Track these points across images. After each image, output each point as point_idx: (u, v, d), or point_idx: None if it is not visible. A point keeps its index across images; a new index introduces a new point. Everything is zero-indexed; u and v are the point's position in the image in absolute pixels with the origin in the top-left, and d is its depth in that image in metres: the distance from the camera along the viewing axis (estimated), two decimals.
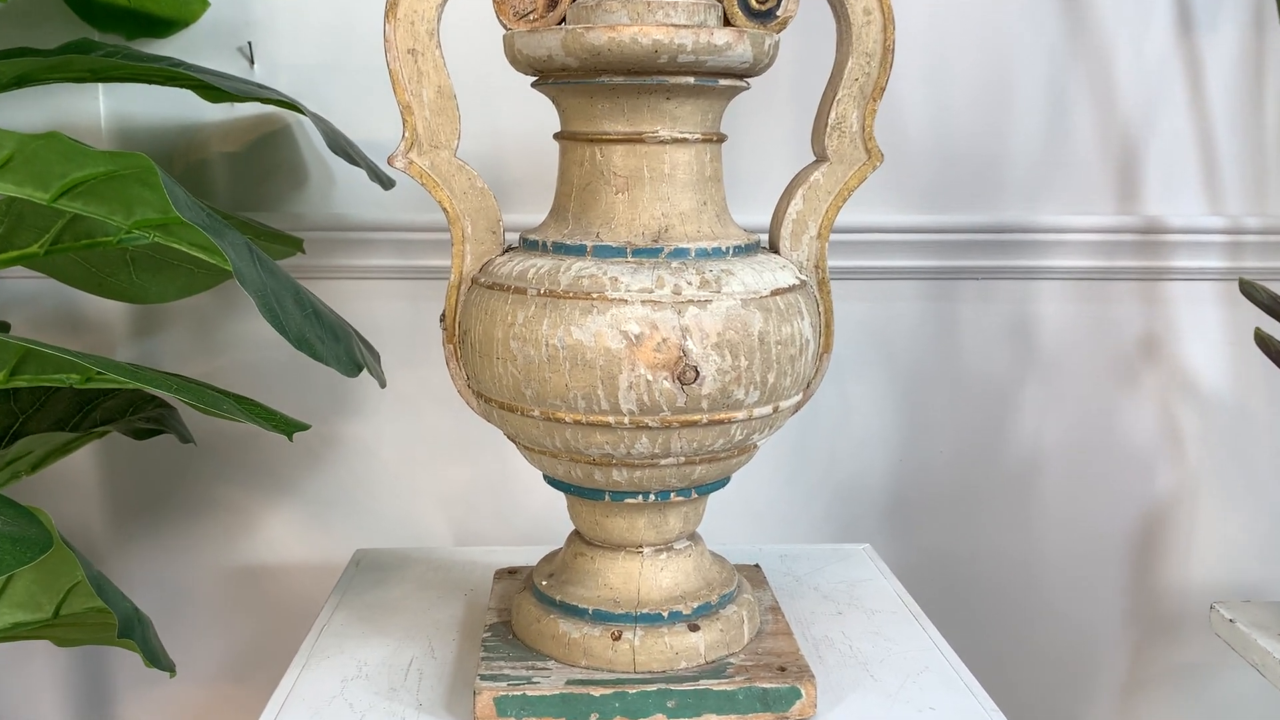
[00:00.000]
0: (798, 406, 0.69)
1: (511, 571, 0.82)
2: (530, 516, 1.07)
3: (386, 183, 0.87)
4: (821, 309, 0.68)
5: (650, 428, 0.61)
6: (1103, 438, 1.08)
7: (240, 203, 1.01)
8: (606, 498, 0.67)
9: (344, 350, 0.68)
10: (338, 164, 1.00)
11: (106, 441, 1.03)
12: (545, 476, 0.70)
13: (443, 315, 0.67)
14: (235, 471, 1.04)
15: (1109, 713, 1.12)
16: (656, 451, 0.63)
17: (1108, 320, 1.07)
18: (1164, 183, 1.05)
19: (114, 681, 1.07)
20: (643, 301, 0.60)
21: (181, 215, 0.59)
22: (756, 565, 0.84)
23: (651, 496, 0.66)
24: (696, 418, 0.61)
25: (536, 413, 0.63)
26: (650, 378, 0.60)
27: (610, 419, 0.61)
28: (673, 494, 0.67)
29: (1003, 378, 1.07)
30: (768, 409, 0.64)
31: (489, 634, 0.71)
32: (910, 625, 0.79)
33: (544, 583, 0.71)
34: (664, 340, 0.60)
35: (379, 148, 0.93)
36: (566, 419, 0.62)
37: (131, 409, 0.85)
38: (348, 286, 1.01)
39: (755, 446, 0.68)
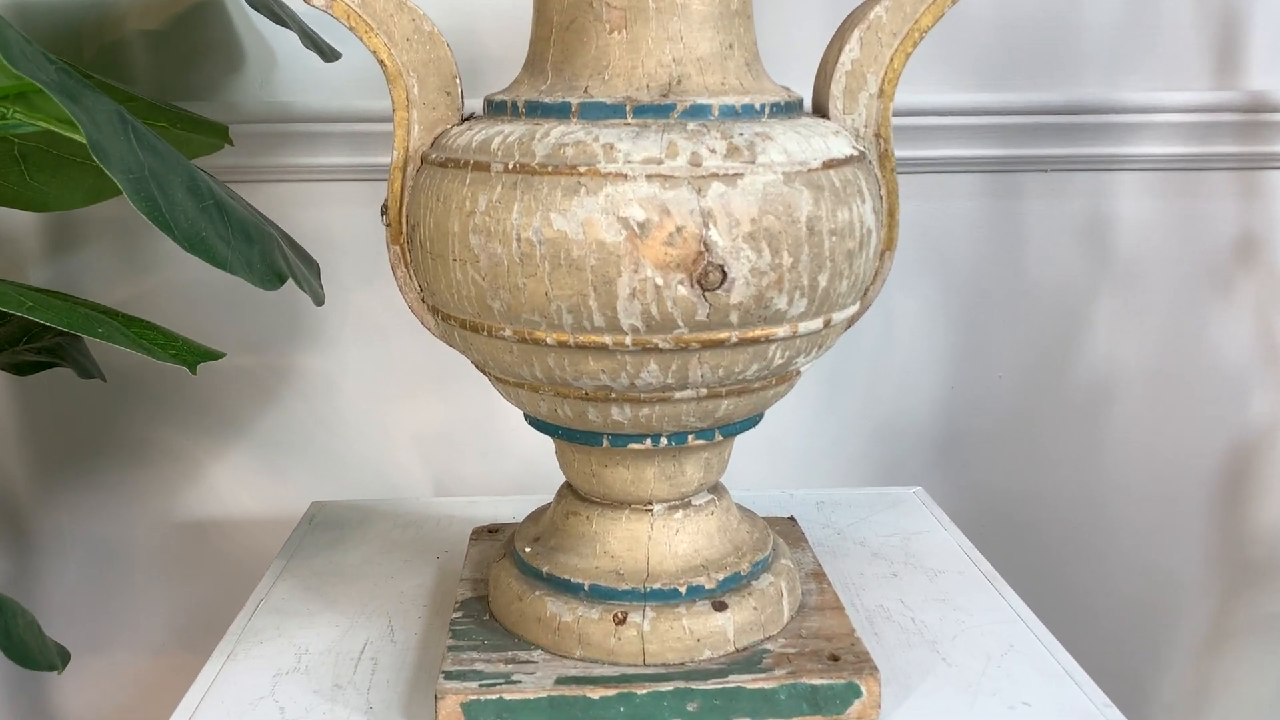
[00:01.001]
0: (852, 320, 0.53)
1: (492, 530, 0.67)
2: (522, 459, 0.92)
3: (328, 52, 0.71)
4: (884, 191, 0.52)
5: (660, 350, 0.46)
6: (1189, 358, 0.92)
7: (166, 90, 0.84)
8: (605, 442, 0.51)
9: (259, 256, 0.53)
10: (280, 42, 0.83)
11: (27, 379, 0.88)
12: (526, 416, 0.54)
13: (384, 206, 0.51)
14: (175, 412, 0.89)
15: (1188, 669, 0.98)
16: (669, 382, 0.47)
17: (1199, 218, 0.90)
18: (1272, 50, 0.87)
19: None
20: (649, 177, 0.44)
21: (14, 66, 0.43)
22: (791, 518, 0.69)
23: (663, 440, 0.51)
24: (723, 336, 0.46)
25: (508, 333, 0.47)
26: (660, 282, 0.44)
27: (607, 339, 0.45)
28: (691, 436, 0.51)
29: (1073, 288, 0.91)
30: (817, 323, 0.48)
31: (459, 614, 0.56)
32: (984, 590, 0.64)
33: (528, 549, 0.56)
34: (678, 230, 0.44)
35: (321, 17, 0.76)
36: (548, 340, 0.46)
37: (26, 338, 0.69)
38: (294, 191, 0.85)
39: (798, 373, 0.52)
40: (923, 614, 0.61)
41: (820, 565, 0.62)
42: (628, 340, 0.45)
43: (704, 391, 0.48)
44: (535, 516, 0.60)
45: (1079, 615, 0.96)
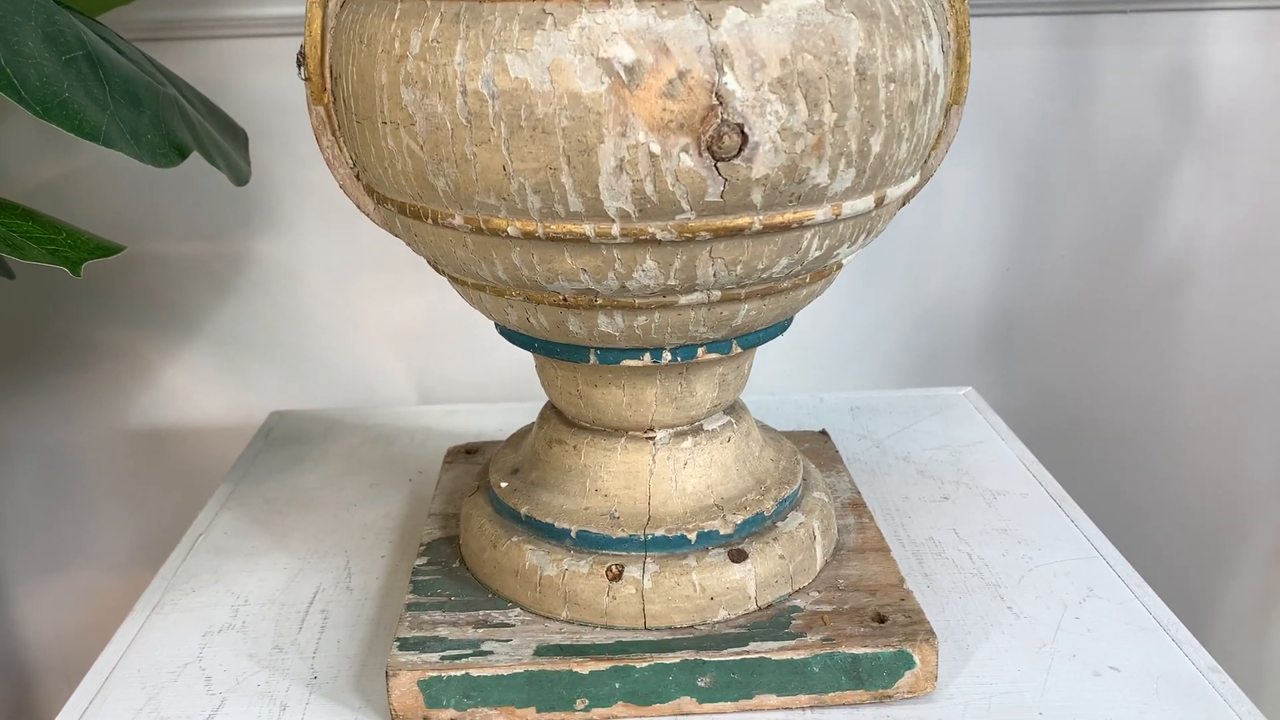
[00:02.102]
0: (909, 196, 0.41)
1: (469, 451, 0.57)
2: (518, 360, 0.81)
3: None
4: (952, 25, 0.39)
5: (659, 243, 0.34)
6: None
7: None
8: (592, 358, 0.41)
9: (149, 123, 0.41)
10: None
11: None
12: (497, 326, 0.43)
13: (300, 54, 0.39)
14: (121, 308, 0.78)
15: (1256, 585, 0.89)
16: (672, 284, 0.36)
17: None
18: None
19: (2, 573, 0.85)
20: (640, 1, 0.32)
21: None
22: (822, 432, 0.59)
23: (666, 354, 0.40)
24: (742, 222, 0.34)
25: (458, 221, 0.36)
26: (657, 150, 0.32)
27: (587, 229, 0.34)
28: (701, 349, 0.40)
29: (1151, 151, 0.78)
30: (866, 201, 0.36)
31: (423, 560, 0.47)
32: (1053, 517, 0.54)
33: (503, 484, 0.46)
34: (681, 76, 0.32)
35: None
36: (509, 231, 0.35)
37: None
38: (237, 49, 0.72)
39: (838, 267, 0.41)
40: (982, 548, 0.51)
41: (859, 491, 0.52)
42: (615, 230, 0.34)
43: (717, 295, 0.37)
44: (515, 441, 0.50)
45: (1136, 526, 0.86)
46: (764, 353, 0.70)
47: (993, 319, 0.81)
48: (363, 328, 0.80)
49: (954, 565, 0.50)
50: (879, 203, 0.37)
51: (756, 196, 0.34)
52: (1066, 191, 0.78)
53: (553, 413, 0.46)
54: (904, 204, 0.41)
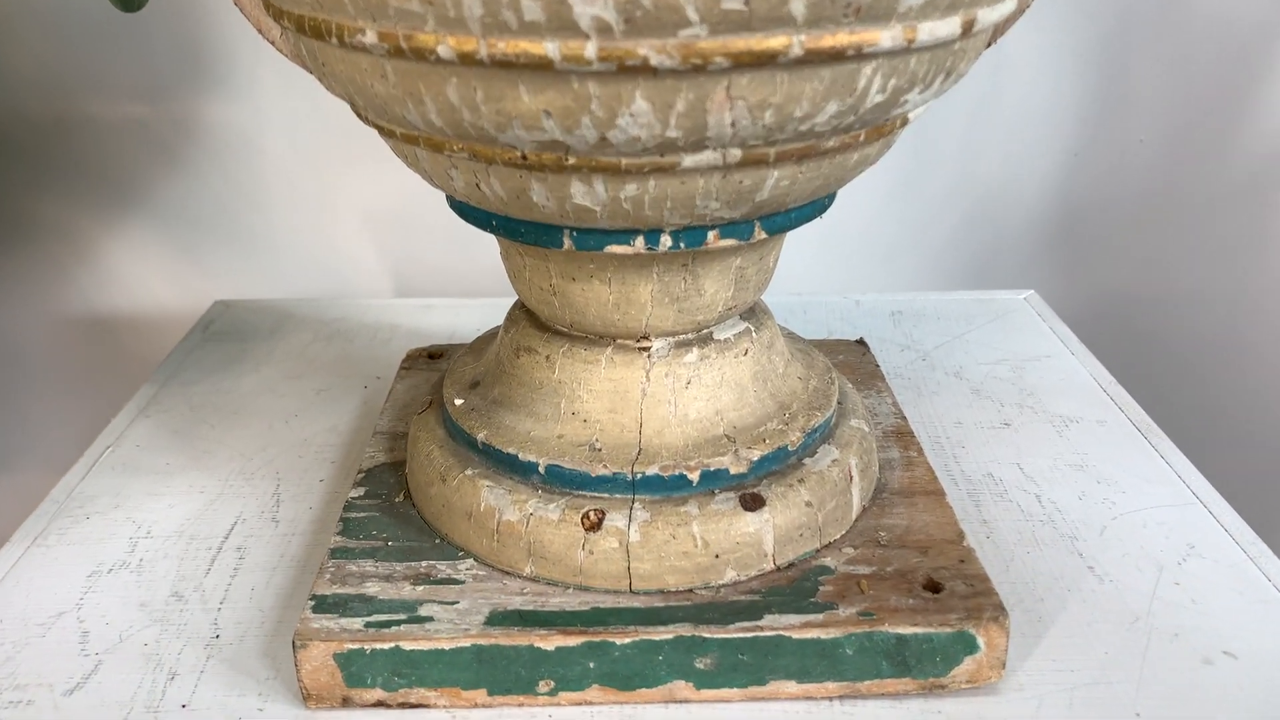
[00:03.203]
0: (1003, 27, 0.30)
1: (433, 356, 0.48)
2: None
3: None
4: None
5: (655, 71, 0.24)
6: None
7: None
8: (566, 241, 0.30)
9: None
10: None
11: None
12: (447, 199, 0.33)
13: None
14: (58, 178, 0.68)
15: None
16: (674, 136, 0.25)
17: None
18: None
19: None
20: None
21: None
22: (859, 341, 0.49)
23: (665, 239, 0.30)
24: (777, 43, 0.24)
25: (370, 36, 0.25)
26: None
27: (549, 47, 0.23)
28: (712, 233, 0.30)
29: (1256, 14, 0.65)
30: (951, 23, 0.26)
31: (360, 492, 0.37)
32: (1139, 450, 0.44)
33: (459, 400, 0.36)
34: None
35: None
36: (439, 50, 0.24)
37: None
38: None
39: (904, 123, 0.30)
40: (1052, 489, 0.42)
41: (904, 416, 0.42)
42: (590, 50, 0.23)
43: (736, 155, 0.26)
44: (479, 347, 0.40)
45: (1210, 450, 0.76)
46: (786, 243, 0.60)
47: (1056, 212, 0.70)
48: (331, 207, 0.69)
49: (1019, 510, 0.40)
50: (966, 29, 0.26)
51: (798, 6, 0.23)
52: (1150, 63, 0.66)
53: (522, 313, 0.36)
54: (994, 39, 0.30)
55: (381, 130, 0.30)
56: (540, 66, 0.24)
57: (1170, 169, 0.69)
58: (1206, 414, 0.73)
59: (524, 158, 0.27)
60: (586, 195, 0.28)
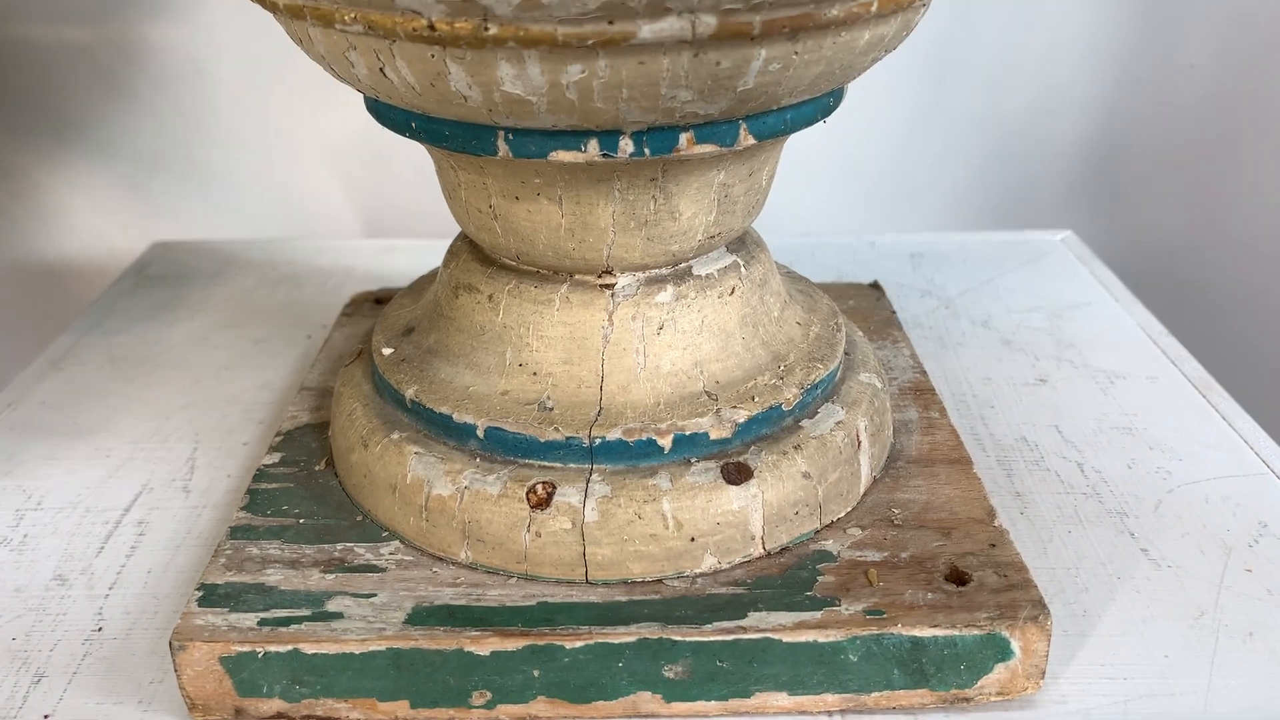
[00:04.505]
0: None
1: (381, 300, 0.42)
2: None
3: None
4: None
5: None
6: None
7: None
8: (501, 146, 0.24)
9: None
10: None
11: None
12: (364, 98, 0.27)
13: None
14: None
15: None
16: None
17: None
18: None
19: None
20: None
21: None
22: (874, 284, 0.43)
23: (625, 142, 0.24)
24: None
25: None
26: None
27: None
28: (685, 135, 0.24)
29: None
30: None
31: (274, 460, 0.32)
32: (1197, 410, 0.38)
33: (387, 349, 0.30)
34: None
35: None
36: None
37: None
38: None
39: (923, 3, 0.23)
40: (1097, 456, 0.36)
41: (923, 371, 0.36)
42: None
43: (709, 25, 0.20)
44: (419, 287, 0.34)
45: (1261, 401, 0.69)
46: (790, 176, 0.53)
47: (1096, 145, 0.63)
48: (293, 138, 0.63)
49: (1059, 481, 0.34)
50: None
51: None
52: None
53: (464, 245, 0.30)
54: None
55: (264, 3, 0.23)
56: None
57: (1223, 98, 0.61)
58: (1269, 371, 0.66)
59: (432, 27, 0.20)
60: (518, 80, 0.21)
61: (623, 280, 0.28)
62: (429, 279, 0.34)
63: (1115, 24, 0.60)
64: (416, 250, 0.53)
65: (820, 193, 0.62)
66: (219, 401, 0.39)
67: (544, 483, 0.26)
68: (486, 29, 0.20)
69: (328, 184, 0.64)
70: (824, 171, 0.61)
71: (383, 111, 0.26)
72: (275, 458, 0.31)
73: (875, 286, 0.42)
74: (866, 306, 0.40)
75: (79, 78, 0.61)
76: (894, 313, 0.40)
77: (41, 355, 0.43)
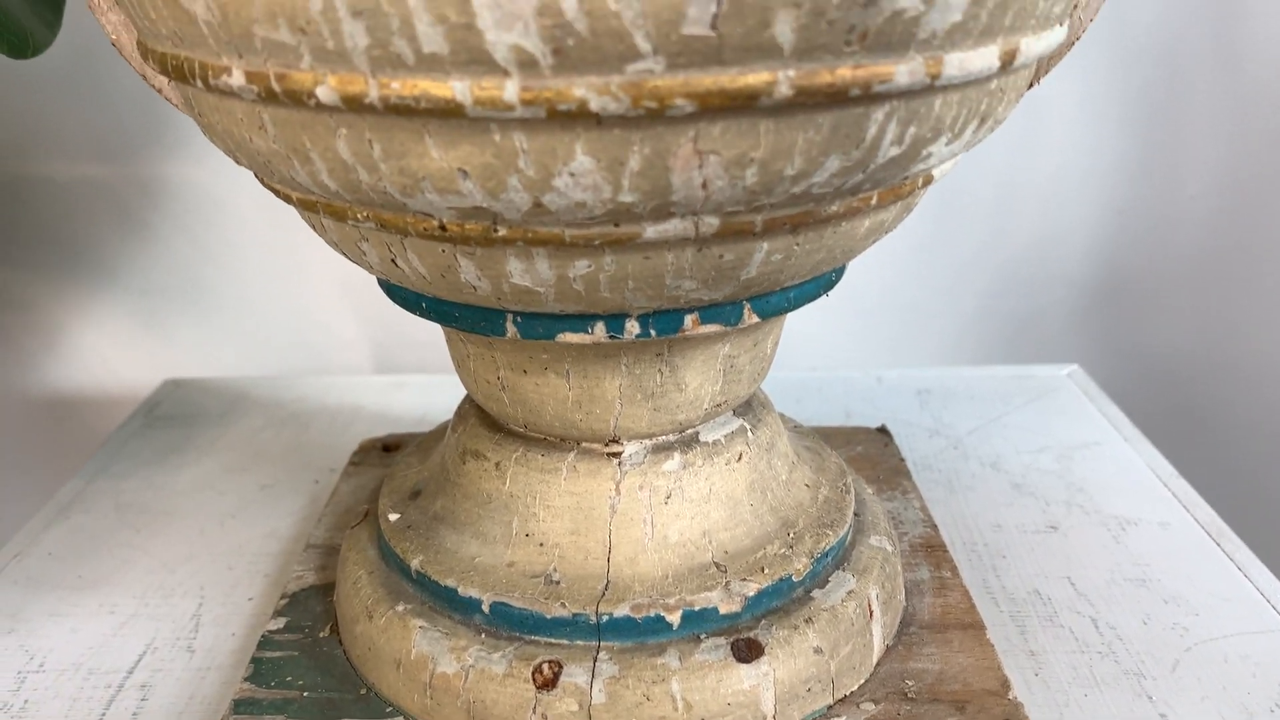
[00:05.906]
0: (1050, 63, 0.24)
1: (389, 448, 0.42)
2: None
3: None
4: None
5: (599, 120, 0.18)
6: None
7: None
8: (510, 328, 0.25)
9: None
10: None
11: None
12: (381, 282, 0.27)
13: None
14: (14, 246, 0.63)
15: None
16: (629, 200, 0.19)
17: None
18: None
19: None
20: None
21: None
22: (881, 429, 0.43)
23: (631, 325, 0.24)
24: (758, 81, 0.18)
25: (238, 76, 0.20)
26: None
27: (458, 87, 0.18)
28: (690, 317, 0.24)
29: None
30: (988, 53, 0.20)
31: (279, 626, 0.31)
32: (1211, 559, 0.38)
33: (393, 515, 0.30)
34: None
35: None
36: (319, 92, 0.19)
37: None
38: None
39: (927, 181, 0.24)
40: (1111, 610, 0.35)
41: (934, 524, 0.36)
42: (510, 92, 0.18)
43: (712, 225, 0.21)
44: (428, 445, 0.34)
45: (1262, 521, 0.69)
46: (795, 313, 0.54)
47: (1100, 275, 0.64)
48: (307, 272, 0.64)
49: (1073, 638, 0.34)
50: (1006, 62, 0.20)
51: (784, 30, 0.17)
52: (1202, 110, 0.60)
53: (472, 408, 0.31)
54: (1039, 79, 0.25)
55: (278, 194, 0.24)
56: (449, 113, 0.18)
57: (1224, 228, 0.62)
58: (1268, 503, 0.65)
59: (443, 228, 0.21)
60: (526, 274, 0.22)
61: (629, 449, 0.28)
62: (437, 436, 0.34)
63: (1116, 154, 0.61)
64: (423, 386, 0.53)
65: (822, 325, 0.63)
66: (224, 553, 0.39)
67: (550, 661, 0.26)
68: (496, 231, 0.21)
69: (340, 315, 0.64)
70: (828, 303, 0.62)
71: (394, 291, 0.26)
72: (280, 623, 0.31)
73: (883, 431, 0.42)
74: (875, 453, 0.40)
75: (95, 213, 0.63)
76: (902, 460, 0.40)
77: (50, 501, 0.43)
